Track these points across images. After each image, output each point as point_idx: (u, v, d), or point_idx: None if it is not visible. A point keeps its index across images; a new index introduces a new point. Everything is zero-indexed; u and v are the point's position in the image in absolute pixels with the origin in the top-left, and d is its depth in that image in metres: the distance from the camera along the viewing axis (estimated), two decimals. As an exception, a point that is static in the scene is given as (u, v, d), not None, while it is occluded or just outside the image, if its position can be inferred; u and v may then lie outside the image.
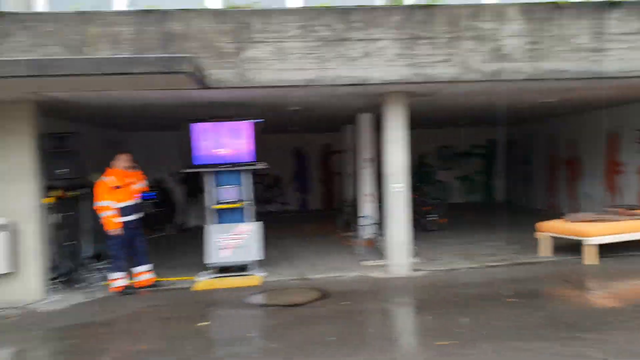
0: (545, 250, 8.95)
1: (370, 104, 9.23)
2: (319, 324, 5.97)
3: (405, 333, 6.09)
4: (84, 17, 6.71)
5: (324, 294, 7.16)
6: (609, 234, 8.50)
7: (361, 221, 10.68)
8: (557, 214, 11.16)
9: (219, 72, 6.90)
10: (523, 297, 6.69)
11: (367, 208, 10.94)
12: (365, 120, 11.09)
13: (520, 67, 7.24)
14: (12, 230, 7.28)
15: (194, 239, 10.85)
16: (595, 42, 7.30)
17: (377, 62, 7.08)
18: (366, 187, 11.04)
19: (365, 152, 11.08)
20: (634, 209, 9.69)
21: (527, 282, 7.47)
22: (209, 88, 6.93)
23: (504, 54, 7.20)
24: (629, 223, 8.78)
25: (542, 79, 7.35)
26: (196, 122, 8.43)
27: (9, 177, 7.38)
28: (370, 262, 8.75)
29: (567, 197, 14.00)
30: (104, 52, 6.59)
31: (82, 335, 6.09)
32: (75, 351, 5.60)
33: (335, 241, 11.18)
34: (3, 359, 5.80)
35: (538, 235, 9.12)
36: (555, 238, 8.97)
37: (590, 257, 8.29)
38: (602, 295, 6.87)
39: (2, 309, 7.07)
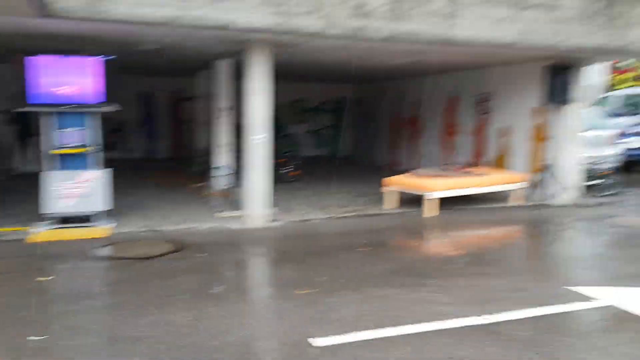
0: (391, 203, 9.53)
1: (231, 50, 8.90)
2: (174, 277, 5.74)
3: (265, 283, 6.13)
4: None
5: (179, 246, 6.91)
6: (447, 189, 9.27)
7: (215, 172, 10.44)
8: (399, 170, 11.93)
9: (67, 0, 6.11)
10: (374, 246, 7.08)
11: (222, 158, 10.70)
12: (223, 67, 10.70)
13: (380, 26, 7.43)
14: None
15: (29, 186, 9.75)
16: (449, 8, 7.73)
17: (243, 5, 6.79)
18: (222, 136, 10.76)
19: (222, 100, 10.74)
20: (467, 167, 10.69)
21: (376, 232, 7.95)
22: (52, 17, 6.12)
23: (367, 12, 7.32)
24: (464, 179, 9.66)
25: (399, 41, 7.64)
26: (34, 55, 7.44)
27: None
28: (227, 214, 8.62)
29: (408, 154, 14.97)
30: None
31: None
32: None
33: (188, 192, 10.82)
34: None
35: (385, 189, 9.65)
36: (400, 192, 9.57)
37: (430, 210, 9.02)
38: (442, 245, 7.55)
39: None
